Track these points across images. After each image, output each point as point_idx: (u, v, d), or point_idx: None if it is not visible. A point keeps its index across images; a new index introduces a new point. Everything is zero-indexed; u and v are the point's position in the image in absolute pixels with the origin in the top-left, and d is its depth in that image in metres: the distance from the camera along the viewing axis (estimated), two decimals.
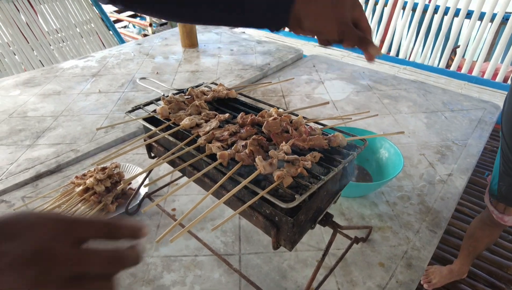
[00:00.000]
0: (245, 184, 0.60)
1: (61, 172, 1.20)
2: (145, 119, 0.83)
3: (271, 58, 2.02)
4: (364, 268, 0.87)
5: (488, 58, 2.83)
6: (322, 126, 0.79)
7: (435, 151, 1.28)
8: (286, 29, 0.53)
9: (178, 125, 0.79)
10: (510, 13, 2.62)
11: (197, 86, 1.01)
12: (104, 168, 1.08)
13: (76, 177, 1.09)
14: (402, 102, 1.59)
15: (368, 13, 3.21)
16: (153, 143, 0.83)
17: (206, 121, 0.80)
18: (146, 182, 1.03)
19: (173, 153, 0.73)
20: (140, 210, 1.02)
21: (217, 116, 0.80)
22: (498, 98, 2.25)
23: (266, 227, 0.64)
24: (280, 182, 0.59)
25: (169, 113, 0.83)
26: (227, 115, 0.80)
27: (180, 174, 1.08)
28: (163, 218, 1.00)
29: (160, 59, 2.04)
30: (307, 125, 0.77)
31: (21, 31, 2.55)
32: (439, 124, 1.44)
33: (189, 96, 0.90)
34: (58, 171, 1.20)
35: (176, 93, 0.92)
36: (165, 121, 0.81)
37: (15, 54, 2.51)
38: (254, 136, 0.70)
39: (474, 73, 2.70)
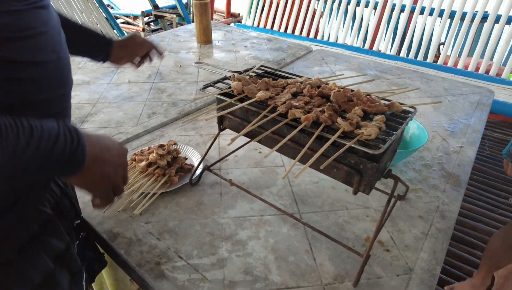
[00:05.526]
0: (334, 139, 0.74)
1: None
2: (220, 94, 0.95)
3: (285, 54, 2.16)
4: (407, 220, 1.02)
5: (470, 54, 3.11)
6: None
7: (445, 128, 1.47)
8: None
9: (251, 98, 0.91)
10: (487, 12, 2.90)
11: (246, 70, 1.13)
12: (162, 145, 1.18)
13: (135, 154, 1.18)
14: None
15: (359, 15, 3.42)
16: (229, 115, 0.95)
17: (277, 95, 0.92)
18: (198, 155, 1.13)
19: (253, 124, 0.85)
20: (200, 181, 1.13)
21: (286, 89, 0.92)
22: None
23: (347, 176, 0.78)
24: (362, 135, 0.73)
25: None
26: (294, 89, 0.93)
27: (238, 146, 1.20)
28: (223, 187, 1.11)
29: (179, 54, 2.14)
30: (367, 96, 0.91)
31: None
32: (444, 106, 1.63)
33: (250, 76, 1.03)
34: None
35: (240, 73, 1.04)
36: (237, 95, 0.93)
37: None
38: (328, 104, 0.83)
39: (459, 67, 2.96)
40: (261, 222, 0.99)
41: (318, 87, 0.96)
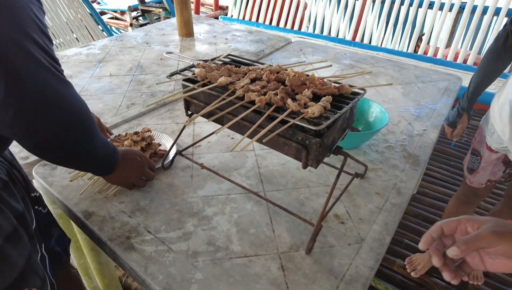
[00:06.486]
0: (281, 118, 0.80)
1: None
2: (185, 80, 1.01)
3: (264, 45, 2.22)
4: (364, 196, 1.09)
5: (449, 44, 3.18)
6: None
7: (412, 113, 1.54)
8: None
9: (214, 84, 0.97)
10: (466, 2, 2.96)
11: (213, 59, 1.19)
12: (136, 132, 1.25)
13: (111, 140, 1.25)
14: (381, 77, 1.84)
15: (342, 7, 3.48)
16: (194, 100, 1.01)
17: (238, 80, 0.99)
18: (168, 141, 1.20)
19: (212, 106, 0.91)
20: (173, 165, 1.20)
21: (247, 75, 0.99)
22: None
23: (297, 151, 0.84)
24: (307, 113, 0.80)
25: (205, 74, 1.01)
26: (254, 74, 1.00)
27: (208, 133, 1.27)
28: (194, 170, 1.18)
29: (161, 47, 2.19)
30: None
31: None
32: (414, 93, 1.70)
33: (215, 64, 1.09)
34: None
35: (206, 62, 1.10)
36: (200, 81, 0.99)
37: None
38: (282, 87, 0.90)
39: (438, 57, 3.03)
40: (227, 200, 1.06)
41: (278, 73, 1.03)
